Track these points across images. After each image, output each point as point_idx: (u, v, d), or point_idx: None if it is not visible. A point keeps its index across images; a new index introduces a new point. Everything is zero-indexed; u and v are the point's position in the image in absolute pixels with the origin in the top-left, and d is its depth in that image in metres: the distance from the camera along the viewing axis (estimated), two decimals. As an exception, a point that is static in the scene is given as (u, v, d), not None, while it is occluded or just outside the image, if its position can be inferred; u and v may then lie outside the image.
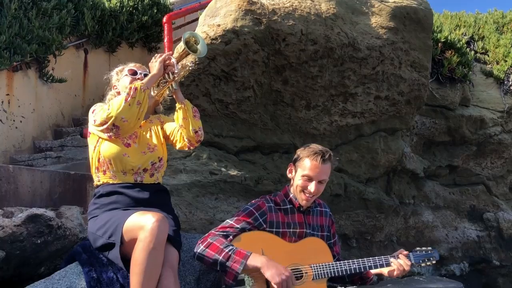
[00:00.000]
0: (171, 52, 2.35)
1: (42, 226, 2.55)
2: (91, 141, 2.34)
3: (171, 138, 2.45)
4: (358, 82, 3.56)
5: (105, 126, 2.18)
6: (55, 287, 2.09)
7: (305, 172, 2.33)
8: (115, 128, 2.19)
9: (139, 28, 6.11)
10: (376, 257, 2.36)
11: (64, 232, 2.66)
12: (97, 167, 2.31)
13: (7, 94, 4.45)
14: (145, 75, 2.39)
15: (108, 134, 2.22)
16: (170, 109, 3.30)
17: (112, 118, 2.14)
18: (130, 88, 2.17)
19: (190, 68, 2.34)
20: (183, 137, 2.37)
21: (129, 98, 2.14)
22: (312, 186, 2.32)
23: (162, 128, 2.49)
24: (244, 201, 3.35)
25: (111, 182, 2.29)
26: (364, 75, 3.55)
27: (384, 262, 2.35)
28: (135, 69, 2.44)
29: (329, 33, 3.29)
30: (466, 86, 4.92)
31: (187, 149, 2.44)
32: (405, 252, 2.38)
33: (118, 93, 2.42)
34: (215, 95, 3.25)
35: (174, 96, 2.39)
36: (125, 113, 2.14)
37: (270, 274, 2.09)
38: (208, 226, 3.13)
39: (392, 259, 2.34)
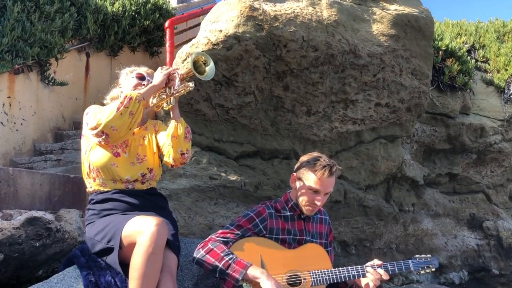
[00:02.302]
0: (178, 68, 2.30)
1: (41, 229, 2.55)
2: (83, 143, 2.31)
3: (161, 150, 2.36)
4: (358, 89, 3.57)
5: (95, 131, 2.13)
6: (53, 291, 2.08)
7: (312, 186, 2.30)
8: (104, 135, 2.13)
9: (141, 32, 6.14)
10: (359, 266, 2.34)
11: (63, 235, 2.66)
12: (88, 173, 2.28)
13: (8, 97, 4.46)
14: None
15: (98, 139, 2.17)
16: (169, 113, 3.30)
17: (102, 125, 2.09)
18: (125, 96, 2.11)
19: (190, 88, 2.26)
20: (169, 154, 2.28)
21: (121, 107, 2.08)
22: (319, 199, 2.31)
23: (156, 137, 2.41)
24: (244, 206, 3.34)
25: (101, 189, 2.26)
26: (364, 82, 3.56)
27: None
28: (145, 74, 2.39)
29: (330, 40, 3.30)
30: (466, 94, 4.93)
31: (170, 166, 2.34)
32: (379, 263, 2.34)
33: (121, 92, 2.40)
34: (216, 100, 3.26)
35: (170, 111, 2.30)
36: (115, 122, 2.08)
37: (267, 285, 2.08)
38: (207, 231, 3.12)
39: (368, 269, 2.31)
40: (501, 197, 5.30)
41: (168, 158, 2.28)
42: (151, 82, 2.32)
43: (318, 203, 2.32)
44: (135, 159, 2.28)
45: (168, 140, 2.27)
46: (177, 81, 2.22)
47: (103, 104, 2.46)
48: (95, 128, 2.12)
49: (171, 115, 2.29)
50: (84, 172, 2.31)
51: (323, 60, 3.32)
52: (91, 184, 2.29)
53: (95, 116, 2.16)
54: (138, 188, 2.30)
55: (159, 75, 2.23)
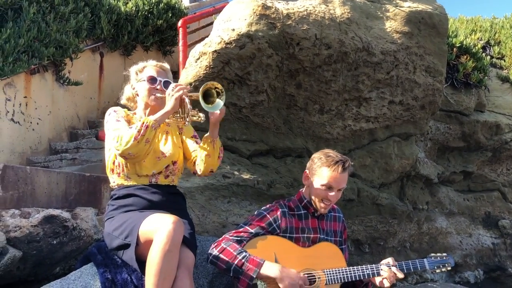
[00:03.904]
0: (188, 87, 2.29)
1: (58, 227, 2.60)
2: (107, 142, 2.36)
3: (188, 153, 2.43)
4: (372, 87, 3.55)
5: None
6: (71, 287, 2.12)
7: (325, 182, 2.30)
8: (123, 158, 2.22)
9: (154, 32, 6.18)
10: (373, 265, 2.34)
11: (79, 233, 2.70)
12: (112, 168, 2.33)
13: (25, 97, 4.53)
14: (165, 83, 2.38)
15: None
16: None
17: (120, 151, 2.16)
18: (142, 124, 2.14)
19: (201, 120, 2.31)
20: (199, 167, 2.36)
21: (139, 136, 2.12)
22: (332, 195, 2.31)
23: (180, 134, 2.47)
24: (257, 204, 3.35)
25: (125, 184, 2.30)
26: (378, 79, 3.53)
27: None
28: (155, 75, 2.40)
29: (343, 37, 3.29)
30: (481, 91, 4.87)
31: (193, 173, 2.44)
32: (394, 262, 2.33)
33: (137, 94, 2.44)
34: (229, 99, 3.26)
35: (209, 129, 2.32)
36: (132, 150, 2.13)
37: (286, 286, 2.11)
38: (221, 229, 3.14)
39: (383, 267, 2.31)
40: (517, 195, 5.23)
41: (197, 169, 2.37)
42: (164, 82, 2.37)
43: (332, 199, 2.31)
44: (160, 153, 2.33)
45: (201, 154, 2.34)
46: (187, 102, 2.24)
47: (117, 105, 2.51)
48: (115, 150, 2.19)
49: (210, 132, 2.32)
50: (108, 169, 2.36)
51: (336, 58, 3.30)
52: (115, 179, 2.33)
53: (114, 135, 2.20)
54: (161, 182, 2.33)
55: (171, 100, 2.21)
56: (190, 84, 3.22)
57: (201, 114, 2.29)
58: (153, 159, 2.30)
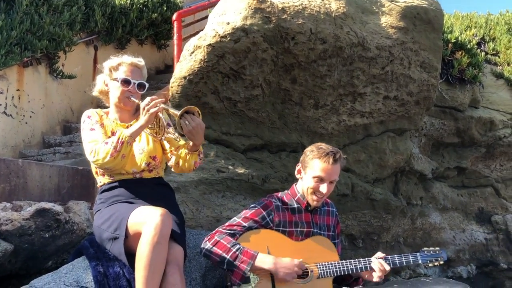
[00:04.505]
0: (163, 100, 2.23)
1: (50, 220, 2.58)
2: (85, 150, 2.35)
3: (163, 148, 2.43)
4: (367, 82, 3.55)
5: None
6: (62, 281, 2.11)
7: (316, 174, 2.30)
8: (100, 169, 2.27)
9: (149, 25, 6.14)
10: (366, 258, 2.36)
11: (72, 226, 2.69)
12: (96, 171, 2.37)
13: (18, 90, 4.49)
14: (139, 85, 2.35)
15: None
16: (177, 106, 3.31)
17: (97, 165, 2.20)
18: (118, 140, 2.13)
19: (178, 140, 2.31)
20: (171, 161, 2.38)
21: (115, 153, 2.13)
22: (324, 187, 2.31)
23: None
24: (251, 199, 3.35)
25: (111, 181, 2.33)
26: (373, 75, 3.53)
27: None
28: (129, 75, 2.35)
29: (338, 32, 3.28)
30: (476, 88, 4.88)
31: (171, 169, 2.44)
32: (382, 255, 2.36)
33: (107, 93, 2.42)
34: (224, 93, 3.25)
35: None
36: (108, 164, 2.17)
37: (281, 276, 2.14)
38: (215, 224, 3.13)
39: (373, 259, 2.33)
40: (510, 191, 5.26)
41: (171, 165, 2.41)
42: (138, 85, 2.34)
43: (324, 191, 2.31)
44: (137, 151, 2.33)
45: (176, 158, 2.35)
46: (163, 118, 2.23)
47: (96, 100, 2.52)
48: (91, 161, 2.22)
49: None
50: (93, 171, 2.40)
51: (331, 53, 3.29)
52: (101, 179, 2.37)
53: (90, 148, 2.21)
54: (146, 176, 2.35)
55: (146, 115, 2.18)
56: (185, 77, 3.21)
57: (177, 134, 2.28)
58: (131, 159, 2.30)
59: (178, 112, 2.13)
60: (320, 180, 2.31)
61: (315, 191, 2.33)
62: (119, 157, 2.15)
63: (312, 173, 2.32)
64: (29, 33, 4.42)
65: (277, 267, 2.14)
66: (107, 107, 2.51)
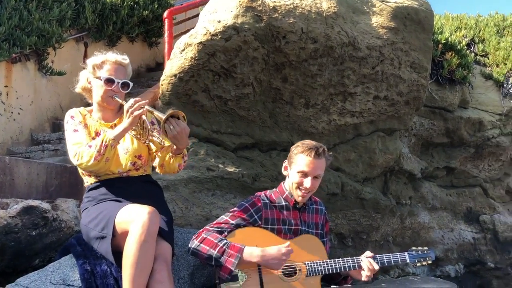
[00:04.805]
0: (147, 101, 2.20)
1: (37, 218, 2.56)
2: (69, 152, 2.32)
3: (152, 152, 2.40)
4: (357, 82, 3.56)
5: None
6: (49, 279, 2.09)
7: (300, 168, 2.33)
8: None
9: (140, 22, 6.10)
10: (355, 257, 2.37)
11: (60, 224, 2.66)
12: (82, 172, 2.36)
13: (6, 86, 4.44)
14: (123, 84, 2.29)
15: None
16: (167, 104, 3.30)
17: (80, 167, 2.20)
18: (101, 143, 2.11)
19: (163, 143, 2.26)
20: (155, 162, 2.37)
21: (99, 157, 2.11)
22: (307, 182, 2.32)
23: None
24: (241, 197, 3.34)
25: (98, 180, 2.31)
26: (363, 74, 3.54)
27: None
28: (113, 74, 2.29)
29: (329, 31, 3.28)
30: (465, 88, 4.92)
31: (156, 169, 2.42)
32: (370, 254, 2.38)
33: (91, 90, 2.38)
34: (214, 91, 3.25)
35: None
36: (92, 168, 2.17)
37: (270, 266, 2.17)
38: (204, 222, 3.12)
39: (362, 258, 2.35)
40: (498, 191, 5.31)
41: (155, 166, 2.40)
42: (122, 84, 2.29)
43: (307, 186, 2.32)
44: (121, 151, 2.31)
45: (160, 157, 2.34)
46: (147, 121, 2.20)
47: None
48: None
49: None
50: (79, 171, 2.38)
51: (322, 52, 3.30)
52: (87, 179, 2.35)
53: (74, 150, 2.18)
54: (133, 175, 2.33)
55: (129, 118, 2.14)
56: (175, 75, 3.19)
57: (161, 138, 2.24)
58: (116, 159, 2.28)
59: (163, 116, 2.10)
60: (304, 174, 2.32)
61: (299, 185, 2.35)
62: (103, 161, 2.13)
63: (296, 168, 2.34)
64: (18, 29, 4.37)
65: (264, 259, 2.15)
66: (90, 104, 2.47)
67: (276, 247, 2.18)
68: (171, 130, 2.10)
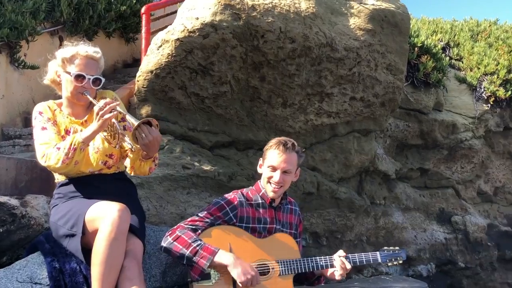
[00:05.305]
0: (118, 102, 2.14)
1: (5, 215, 2.48)
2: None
3: (123, 151, 2.32)
4: (334, 82, 3.58)
5: None
6: (15, 277, 2.03)
7: (269, 163, 2.36)
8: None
9: (117, 17, 5.99)
10: (327, 256, 2.38)
11: (29, 221, 2.59)
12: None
13: (-24, 79, 4.30)
14: (94, 80, 2.19)
15: None
16: (143, 101, 3.25)
17: (49, 169, 2.13)
18: (70, 146, 2.03)
19: (133, 149, 2.18)
20: (126, 163, 2.31)
21: (67, 160, 2.03)
22: (277, 176, 2.33)
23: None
24: (217, 196, 3.32)
25: (68, 177, 2.25)
26: (340, 75, 3.57)
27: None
28: (83, 70, 2.18)
29: (307, 32, 3.30)
30: (440, 91, 5.02)
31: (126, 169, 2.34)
32: (343, 254, 2.40)
33: (60, 83, 2.27)
34: (191, 89, 3.22)
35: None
36: (61, 170, 2.12)
37: (236, 273, 2.11)
38: (179, 221, 3.07)
39: (335, 257, 2.36)
40: (469, 193, 5.44)
41: (126, 166, 2.34)
42: (93, 80, 2.19)
43: (276, 180, 2.33)
44: (91, 150, 2.22)
45: (131, 159, 2.26)
46: (117, 125, 2.10)
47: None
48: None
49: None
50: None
51: (300, 52, 3.31)
52: (58, 176, 2.30)
53: (41, 151, 2.10)
54: (106, 172, 2.28)
55: (100, 121, 2.05)
56: (151, 72, 3.15)
57: (131, 144, 2.14)
58: (86, 159, 2.20)
59: (135, 122, 2.01)
60: (273, 168, 2.35)
61: (269, 179, 2.37)
62: (72, 164, 2.06)
63: (267, 162, 2.38)
64: (-11, 20, 4.24)
65: (236, 262, 2.12)
66: (60, 96, 2.35)
67: (249, 265, 2.15)
68: (143, 138, 2.01)
